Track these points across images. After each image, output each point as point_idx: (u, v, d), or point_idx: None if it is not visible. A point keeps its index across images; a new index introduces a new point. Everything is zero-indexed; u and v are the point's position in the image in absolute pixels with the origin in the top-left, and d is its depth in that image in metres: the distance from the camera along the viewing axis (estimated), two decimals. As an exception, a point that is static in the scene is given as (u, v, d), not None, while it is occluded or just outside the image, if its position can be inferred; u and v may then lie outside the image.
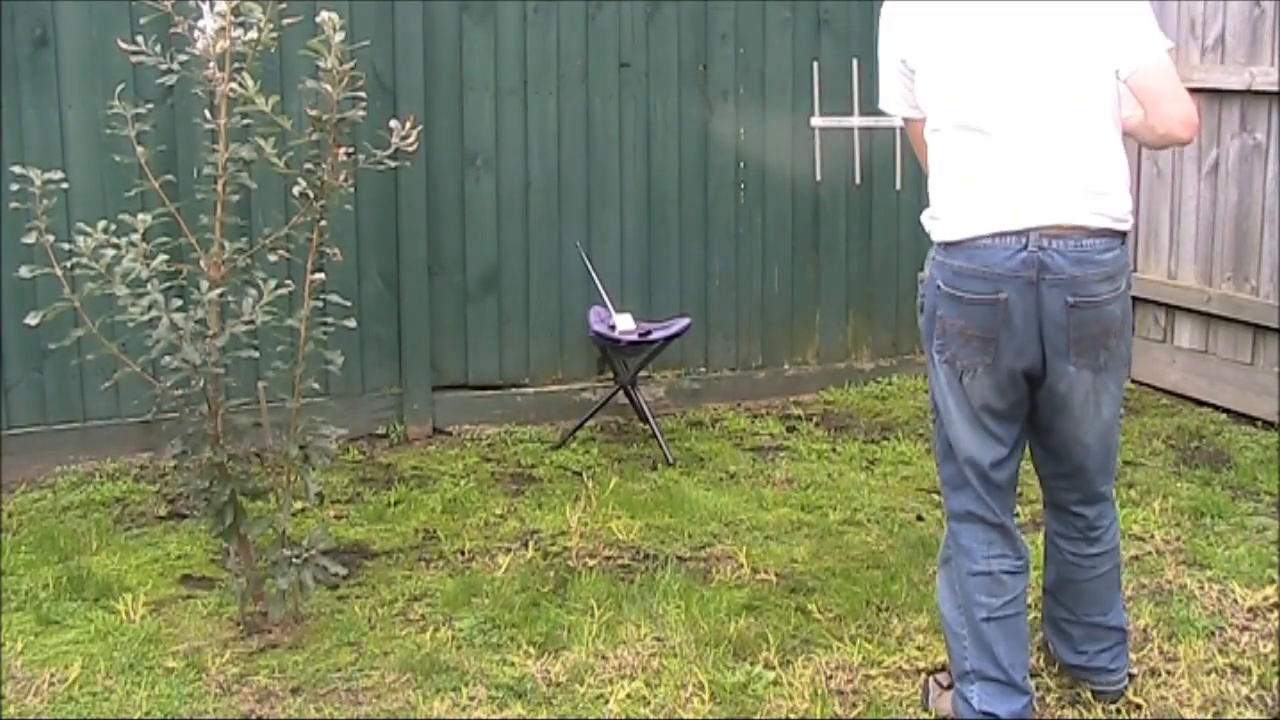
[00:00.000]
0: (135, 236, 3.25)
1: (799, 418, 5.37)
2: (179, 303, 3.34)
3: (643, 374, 5.19)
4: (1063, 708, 3.08)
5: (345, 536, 4.14)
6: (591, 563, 3.94)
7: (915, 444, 4.99)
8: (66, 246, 3.27)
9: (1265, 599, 3.62)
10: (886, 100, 2.97)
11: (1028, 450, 3.00)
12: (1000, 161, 2.73)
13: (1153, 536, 4.08)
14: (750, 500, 4.47)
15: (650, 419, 5.00)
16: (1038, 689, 3.08)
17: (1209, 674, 3.24)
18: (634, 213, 5.37)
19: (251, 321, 3.34)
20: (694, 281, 5.49)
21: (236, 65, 3.32)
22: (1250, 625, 3.50)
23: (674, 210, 5.43)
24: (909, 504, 4.42)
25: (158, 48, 3.35)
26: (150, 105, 3.63)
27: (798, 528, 4.23)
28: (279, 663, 3.35)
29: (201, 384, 3.34)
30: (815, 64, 4.94)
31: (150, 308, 3.26)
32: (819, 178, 4.98)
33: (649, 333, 5.02)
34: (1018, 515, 3.21)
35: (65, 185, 3.34)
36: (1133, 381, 5.61)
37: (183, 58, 3.34)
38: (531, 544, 4.07)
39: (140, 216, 3.27)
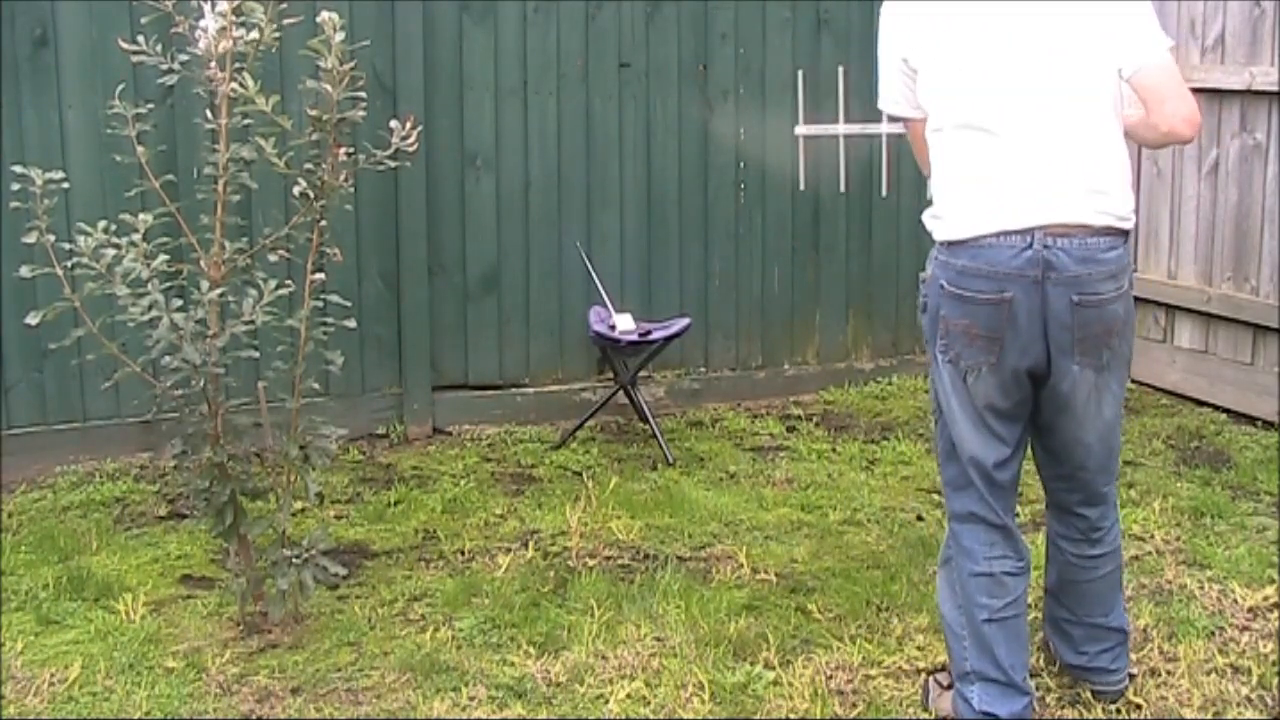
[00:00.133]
0: (135, 236, 3.25)
1: (799, 418, 5.37)
2: (179, 303, 3.34)
3: (643, 374, 5.19)
4: (1063, 708, 3.09)
5: (345, 536, 4.14)
6: (591, 563, 3.94)
7: (915, 444, 4.99)
8: (67, 246, 3.27)
9: (1265, 599, 3.62)
10: (886, 100, 2.97)
11: (1029, 451, 3.00)
12: (1004, 160, 2.73)
13: (1153, 536, 4.08)
14: (750, 500, 4.47)
15: (650, 419, 5.00)
16: (1038, 689, 3.08)
17: (1209, 674, 3.24)
18: (634, 213, 5.37)
19: (251, 321, 3.35)
20: (694, 281, 5.49)
21: (237, 65, 3.32)
22: (1250, 625, 3.50)
23: (674, 210, 5.43)
24: (909, 504, 4.42)
25: (158, 47, 3.35)
26: (150, 105, 3.62)
27: (798, 528, 4.23)
28: (279, 663, 3.35)
29: (201, 384, 3.34)
30: (800, 73, 4.93)
31: (150, 308, 3.26)
32: (802, 186, 4.99)
33: (649, 333, 5.02)
34: (1018, 515, 3.21)
35: (66, 185, 3.34)
36: (1133, 381, 5.61)
37: (183, 57, 3.34)
38: (531, 544, 4.07)
39: (140, 216, 3.27)
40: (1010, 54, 2.73)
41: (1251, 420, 5.16)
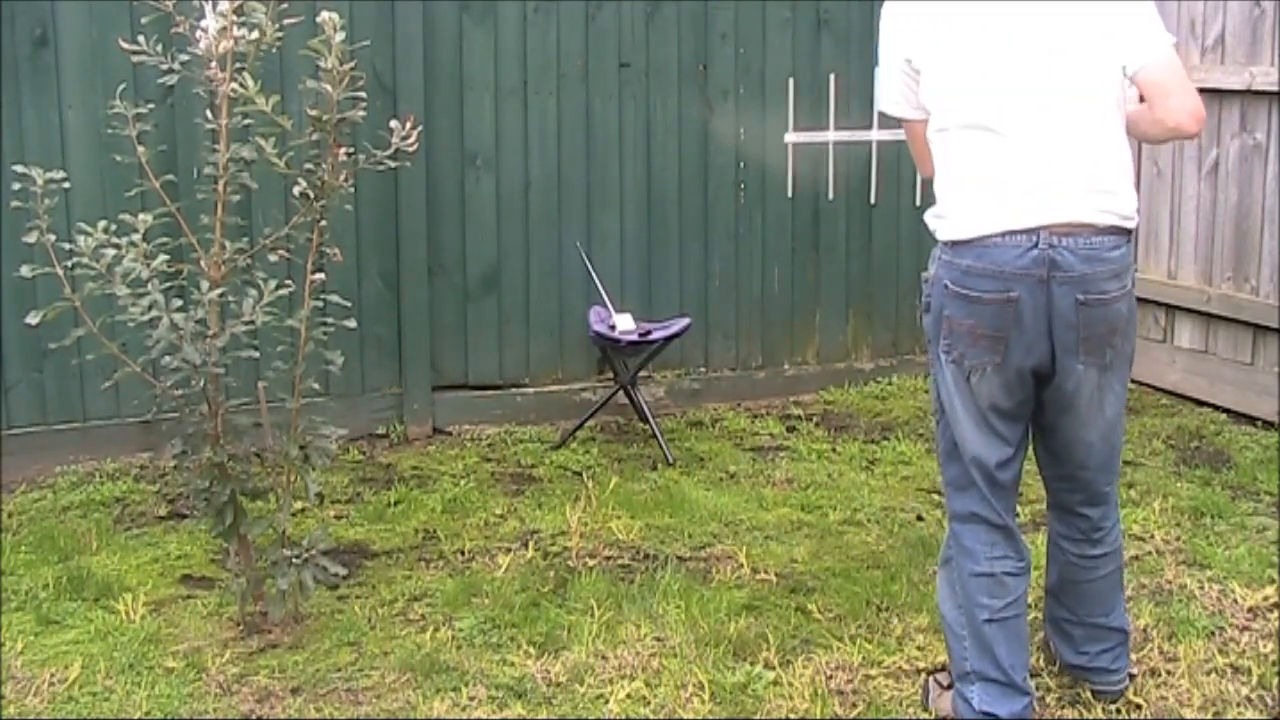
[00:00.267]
0: (135, 236, 3.25)
1: (799, 418, 5.37)
2: (179, 303, 3.34)
3: (643, 374, 5.19)
4: (1063, 708, 3.09)
5: (345, 536, 4.14)
6: (591, 563, 3.94)
7: (915, 444, 4.99)
8: (67, 246, 3.27)
9: (1265, 599, 3.63)
10: (886, 101, 2.96)
11: (1030, 451, 3.00)
12: (1008, 160, 2.73)
13: (1153, 536, 4.08)
14: (750, 500, 4.47)
15: (650, 419, 4.99)
16: (1038, 689, 3.08)
17: (1209, 674, 3.24)
18: (634, 213, 5.37)
19: (251, 321, 3.35)
20: (694, 281, 5.49)
21: (237, 65, 3.32)
22: (1250, 625, 3.50)
23: (674, 210, 5.43)
24: (909, 504, 4.42)
25: (158, 47, 3.36)
26: (151, 105, 3.62)
27: (798, 528, 4.23)
28: (279, 663, 3.35)
29: (201, 384, 3.34)
30: (791, 80, 4.93)
31: (150, 308, 3.25)
32: (790, 194, 4.99)
33: (649, 333, 5.02)
34: (1018, 515, 3.21)
35: (66, 185, 3.35)
36: (1133, 381, 5.56)
37: (184, 57, 3.34)
38: (531, 544, 4.07)
39: (141, 216, 3.27)
40: (1014, 53, 2.73)
41: (1251, 420, 5.16)
